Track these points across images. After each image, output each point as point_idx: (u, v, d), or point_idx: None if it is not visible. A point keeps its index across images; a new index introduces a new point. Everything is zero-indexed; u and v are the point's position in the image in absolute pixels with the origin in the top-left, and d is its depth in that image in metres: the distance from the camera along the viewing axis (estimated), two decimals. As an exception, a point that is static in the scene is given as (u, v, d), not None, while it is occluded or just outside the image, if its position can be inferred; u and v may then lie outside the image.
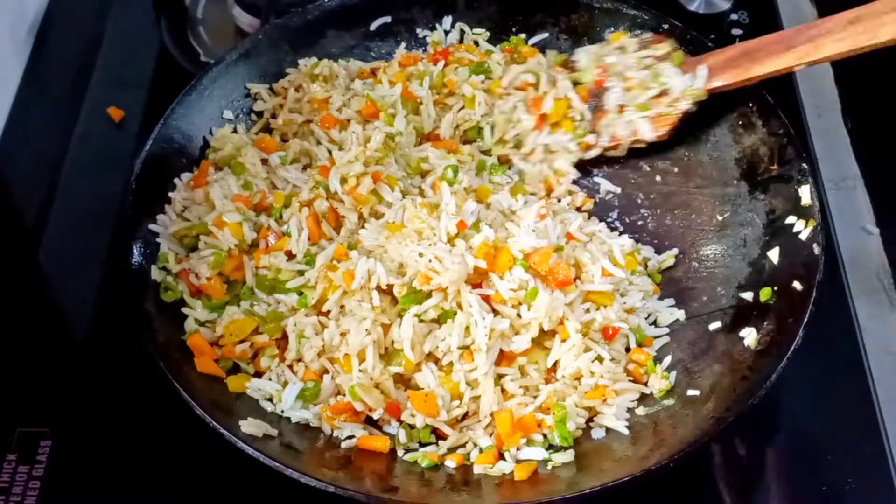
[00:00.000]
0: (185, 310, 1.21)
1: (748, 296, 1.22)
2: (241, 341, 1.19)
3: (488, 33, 1.51)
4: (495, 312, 1.16)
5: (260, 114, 1.41)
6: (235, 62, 1.39)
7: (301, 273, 1.21)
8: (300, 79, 1.42)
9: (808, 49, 1.12)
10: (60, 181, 1.46)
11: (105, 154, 1.49)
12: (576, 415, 1.14)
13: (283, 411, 1.14)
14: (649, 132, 1.35)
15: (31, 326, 1.31)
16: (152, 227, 1.24)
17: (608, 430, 1.14)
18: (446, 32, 1.51)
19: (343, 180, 1.26)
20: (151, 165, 1.27)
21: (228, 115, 1.38)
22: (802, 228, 1.22)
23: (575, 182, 1.39)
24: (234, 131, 1.37)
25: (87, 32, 1.66)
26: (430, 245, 1.16)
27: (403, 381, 1.16)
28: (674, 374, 1.19)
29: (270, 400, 1.15)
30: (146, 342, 1.12)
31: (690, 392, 1.15)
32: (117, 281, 1.22)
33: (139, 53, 1.63)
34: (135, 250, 1.21)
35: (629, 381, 1.18)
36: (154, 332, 1.15)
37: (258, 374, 1.19)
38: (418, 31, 1.51)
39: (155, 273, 1.21)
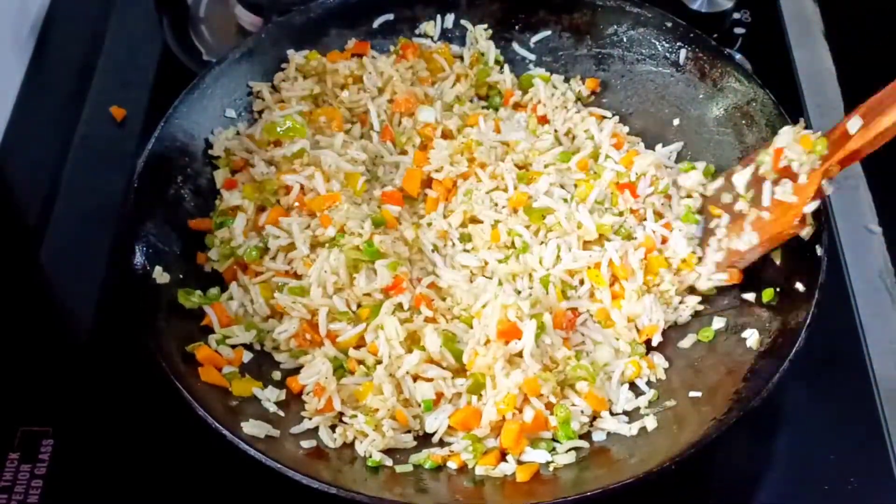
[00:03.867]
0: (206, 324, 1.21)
1: (750, 296, 1.22)
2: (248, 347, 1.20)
3: (490, 31, 1.51)
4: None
5: (260, 112, 1.41)
6: (238, 61, 1.39)
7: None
8: (292, 73, 1.42)
9: None
10: (62, 180, 1.47)
11: (107, 153, 1.49)
12: (580, 413, 1.15)
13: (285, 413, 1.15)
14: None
15: (33, 325, 1.32)
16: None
17: (609, 432, 1.14)
18: (446, 30, 1.50)
19: None
20: (154, 164, 1.27)
21: (231, 113, 1.38)
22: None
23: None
24: (238, 133, 1.37)
25: (90, 31, 1.66)
26: None
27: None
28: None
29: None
30: (148, 343, 1.12)
31: (692, 393, 1.15)
32: (119, 281, 1.22)
33: (141, 52, 1.63)
34: (137, 250, 1.20)
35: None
36: (157, 334, 1.14)
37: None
38: (421, 28, 1.51)
39: (157, 274, 1.20)
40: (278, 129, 1.33)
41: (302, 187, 1.28)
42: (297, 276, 1.24)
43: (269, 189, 1.29)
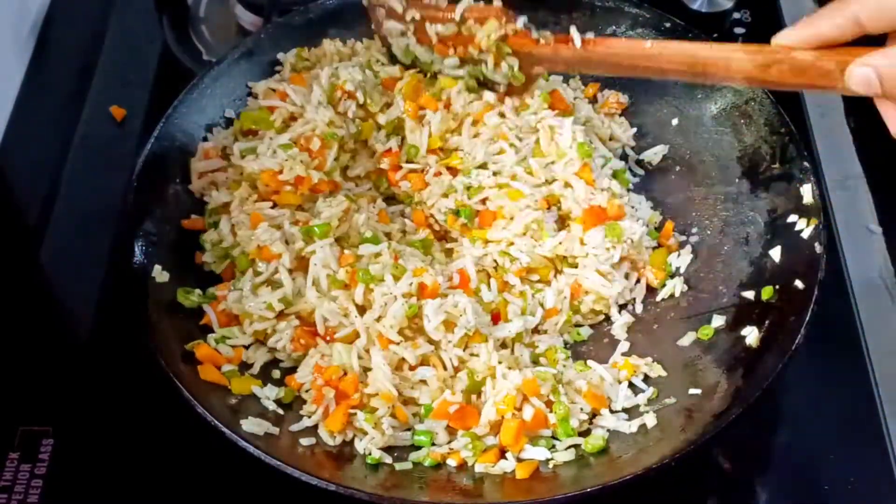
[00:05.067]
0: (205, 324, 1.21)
1: (750, 294, 1.22)
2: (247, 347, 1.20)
3: (489, 31, 1.51)
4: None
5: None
6: (237, 61, 1.39)
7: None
8: (288, 74, 1.41)
9: None
10: (62, 180, 1.47)
11: (107, 153, 1.49)
12: (579, 410, 1.15)
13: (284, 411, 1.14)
14: None
15: (33, 325, 1.32)
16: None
17: (609, 429, 1.14)
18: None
19: None
20: (153, 164, 1.27)
21: (230, 113, 1.38)
22: (804, 227, 1.21)
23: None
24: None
25: (90, 31, 1.66)
26: None
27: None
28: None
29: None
30: (148, 342, 1.12)
31: (692, 391, 1.15)
32: (119, 280, 1.22)
33: (141, 52, 1.63)
34: (136, 249, 1.21)
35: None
36: (156, 332, 1.14)
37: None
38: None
39: (156, 273, 1.20)
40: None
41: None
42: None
43: (248, 179, 1.27)
